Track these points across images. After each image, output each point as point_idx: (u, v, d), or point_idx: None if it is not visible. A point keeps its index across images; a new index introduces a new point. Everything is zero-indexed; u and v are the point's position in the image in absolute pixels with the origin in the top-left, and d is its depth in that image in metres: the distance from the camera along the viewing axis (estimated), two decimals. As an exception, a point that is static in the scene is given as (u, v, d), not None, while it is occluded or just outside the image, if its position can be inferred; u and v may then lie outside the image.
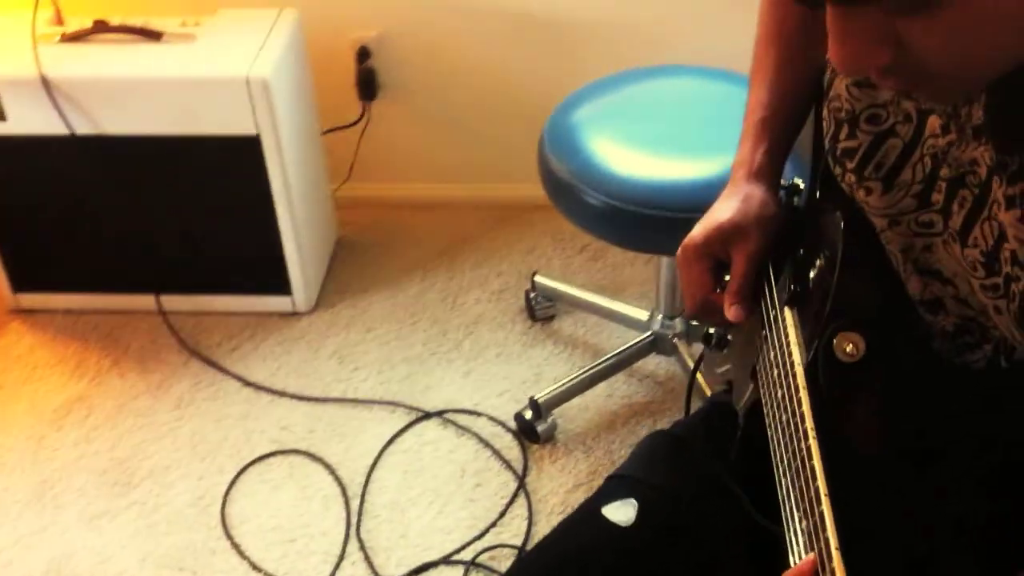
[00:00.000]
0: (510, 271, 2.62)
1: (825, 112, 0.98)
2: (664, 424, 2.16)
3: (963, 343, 0.92)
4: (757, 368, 1.05)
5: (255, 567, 1.99)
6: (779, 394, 0.95)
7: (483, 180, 2.81)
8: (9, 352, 2.47)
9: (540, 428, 2.16)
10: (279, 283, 2.48)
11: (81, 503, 2.12)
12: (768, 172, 1.14)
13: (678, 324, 2.24)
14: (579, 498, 2.06)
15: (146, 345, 2.47)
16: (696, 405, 1.33)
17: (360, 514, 2.07)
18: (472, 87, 2.66)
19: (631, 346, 2.26)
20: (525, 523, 2.03)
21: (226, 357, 2.43)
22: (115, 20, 2.35)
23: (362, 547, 2.01)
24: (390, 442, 2.21)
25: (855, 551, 0.80)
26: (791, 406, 0.92)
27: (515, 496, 2.09)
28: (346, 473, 2.15)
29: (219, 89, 2.22)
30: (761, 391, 1.02)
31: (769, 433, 0.96)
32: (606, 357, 2.25)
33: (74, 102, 2.24)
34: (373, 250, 2.71)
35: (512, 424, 2.21)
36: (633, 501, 1.13)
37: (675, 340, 2.24)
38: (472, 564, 1.97)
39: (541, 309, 2.46)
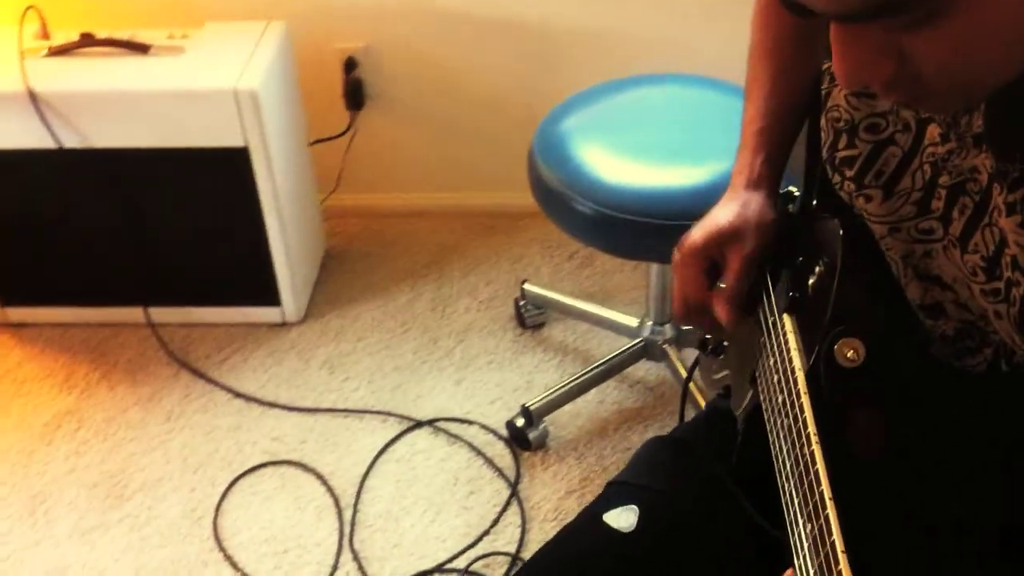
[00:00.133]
0: (499, 279, 2.63)
1: (824, 121, 1.00)
2: (655, 430, 2.18)
3: (963, 347, 0.94)
4: (757, 374, 1.07)
5: (248, 578, 2.00)
6: (780, 399, 0.96)
7: (471, 189, 2.82)
8: (-2, 366, 2.47)
9: (532, 435, 2.17)
10: (268, 294, 2.48)
11: (73, 517, 2.12)
12: (767, 180, 1.15)
13: (668, 330, 2.26)
14: (572, 505, 2.07)
15: (135, 358, 2.47)
16: (688, 411, 1.34)
17: (353, 524, 2.07)
18: (459, 97, 2.67)
19: (621, 352, 2.27)
20: (518, 531, 2.04)
21: (216, 369, 2.43)
22: (102, 33, 2.35)
23: (355, 557, 2.01)
24: (382, 451, 2.21)
25: (858, 555, 0.81)
26: (793, 411, 0.93)
27: (508, 504, 2.09)
28: (338, 483, 2.15)
29: (207, 101, 2.22)
30: (761, 396, 1.03)
31: (770, 438, 0.97)
32: (597, 364, 2.26)
33: (61, 116, 2.24)
34: (362, 260, 2.72)
35: (504, 432, 2.22)
36: (634, 507, 1.13)
37: (665, 346, 2.25)
38: (466, 572, 1.98)
39: (531, 317, 2.46)
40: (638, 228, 1.87)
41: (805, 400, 0.92)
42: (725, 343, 1.25)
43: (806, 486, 0.86)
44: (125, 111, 2.25)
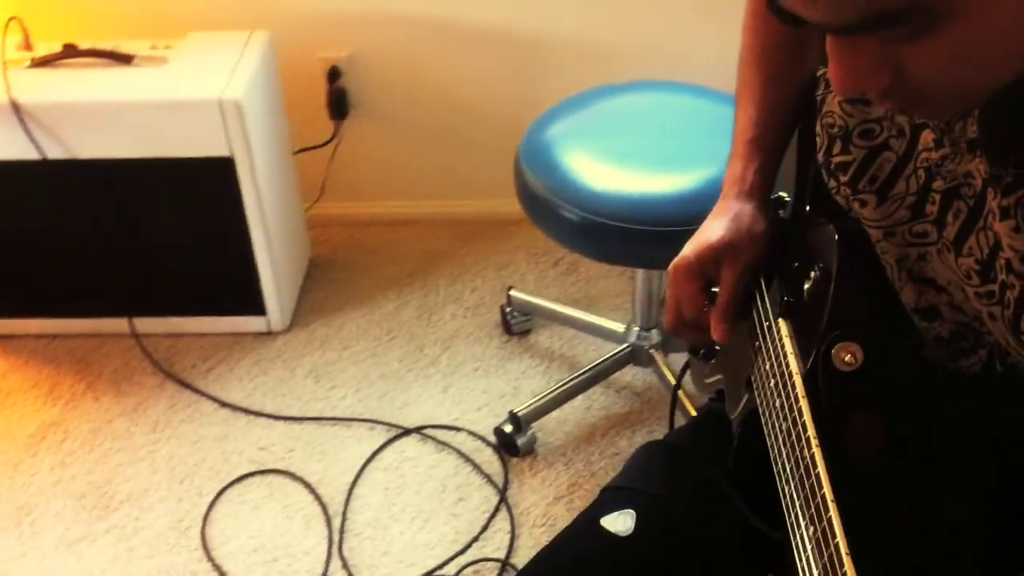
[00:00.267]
0: (484, 286, 2.63)
1: (818, 128, 1.01)
2: (643, 435, 2.19)
3: (958, 349, 0.95)
4: (752, 378, 1.07)
5: (238, 588, 2.00)
6: (777, 403, 0.97)
7: (455, 197, 2.83)
8: (-19, 378, 2.46)
9: (520, 441, 2.17)
10: (253, 303, 2.48)
11: (59, 528, 2.11)
12: (759, 190, 1.16)
13: (655, 335, 2.27)
14: (561, 510, 2.08)
15: (120, 368, 2.46)
16: (677, 417, 1.35)
17: (342, 532, 2.07)
18: (443, 105, 2.68)
19: (608, 358, 2.28)
20: (508, 536, 2.04)
21: (201, 378, 2.42)
22: (84, 44, 2.35)
23: (345, 565, 2.02)
24: (370, 459, 2.21)
25: (857, 557, 0.82)
26: (791, 415, 0.94)
27: (497, 510, 2.10)
28: (327, 491, 2.15)
29: (192, 112, 2.22)
30: (758, 400, 1.04)
31: (769, 442, 0.98)
32: (584, 370, 2.27)
33: (45, 127, 2.23)
34: (346, 269, 2.72)
35: (492, 438, 2.23)
36: (631, 511, 1.14)
37: (652, 351, 2.26)
38: (456, 579, 1.99)
39: (517, 323, 2.47)
40: (624, 234, 1.88)
41: (804, 404, 0.93)
42: (716, 347, 1.26)
43: (807, 489, 0.87)
44: (109, 122, 2.24)
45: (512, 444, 2.18)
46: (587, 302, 2.56)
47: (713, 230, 1.15)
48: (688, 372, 1.37)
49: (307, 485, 2.17)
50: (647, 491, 1.19)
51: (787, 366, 0.98)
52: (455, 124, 2.71)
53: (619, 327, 2.33)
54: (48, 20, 2.48)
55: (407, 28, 2.56)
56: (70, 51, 2.34)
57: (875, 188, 0.96)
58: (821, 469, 0.86)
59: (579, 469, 2.16)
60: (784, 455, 0.93)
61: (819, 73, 1.03)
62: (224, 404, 2.36)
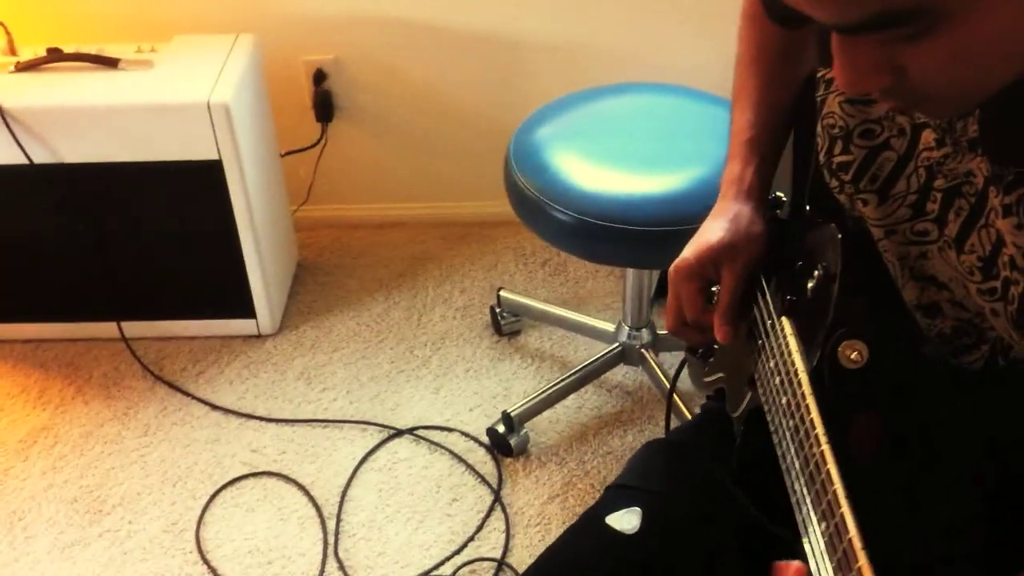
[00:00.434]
0: (473, 288, 2.64)
1: (819, 128, 1.02)
2: (635, 434, 2.21)
3: (960, 345, 0.97)
4: (755, 377, 1.09)
5: (234, 591, 2.00)
6: (783, 401, 0.98)
7: (443, 199, 2.84)
8: (-30, 384, 2.45)
9: (513, 441, 2.19)
10: (243, 306, 2.48)
11: (53, 533, 2.11)
12: (758, 190, 1.18)
13: (645, 335, 2.28)
14: (555, 509, 2.09)
15: (109, 372, 2.46)
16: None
17: (337, 533, 2.08)
18: (428, 107, 2.69)
19: (600, 357, 2.30)
20: (503, 536, 2.05)
21: (192, 382, 2.43)
22: (69, 48, 2.35)
23: (341, 567, 2.02)
24: (363, 461, 2.22)
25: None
26: (798, 413, 0.94)
27: (491, 510, 2.11)
28: (320, 493, 2.16)
29: (180, 115, 2.22)
30: (762, 398, 1.05)
31: (775, 440, 0.99)
32: (575, 369, 2.28)
33: (31, 131, 2.23)
34: (334, 271, 2.73)
35: (484, 439, 2.24)
36: (637, 509, 1.15)
37: (643, 350, 2.27)
38: (452, 579, 2.00)
39: (507, 324, 2.48)
40: (615, 234, 1.89)
41: (811, 402, 0.93)
42: (715, 346, 1.28)
43: (817, 485, 0.87)
44: (97, 126, 2.24)
45: (505, 444, 2.19)
46: (576, 302, 2.57)
47: (712, 231, 1.16)
48: (685, 371, 1.38)
49: (301, 487, 2.17)
50: (651, 489, 1.20)
51: (792, 364, 0.99)
52: (441, 126, 2.72)
53: (609, 326, 2.34)
54: (31, 24, 2.48)
55: (392, 31, 2.57)
56: (55, 55, 2.34)
57: (876, 187, 0.97)
58: (831, 466, 0.87)
59: (572, 468, 2.18)
60: (792, 452, 0.94)
61: (819, 75, 1.04)
62: (215, 407, 2.36)
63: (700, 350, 1.30)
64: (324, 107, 2.66)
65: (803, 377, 0.97)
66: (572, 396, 2.30)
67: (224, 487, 2.18)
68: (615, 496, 1.21)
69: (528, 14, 2.53)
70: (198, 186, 2.30)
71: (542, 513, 2.09)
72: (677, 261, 1.18)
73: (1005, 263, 0.86)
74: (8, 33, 2.38)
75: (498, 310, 2.48)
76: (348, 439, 2.27)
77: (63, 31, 2.52)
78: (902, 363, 0.97)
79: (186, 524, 2.12)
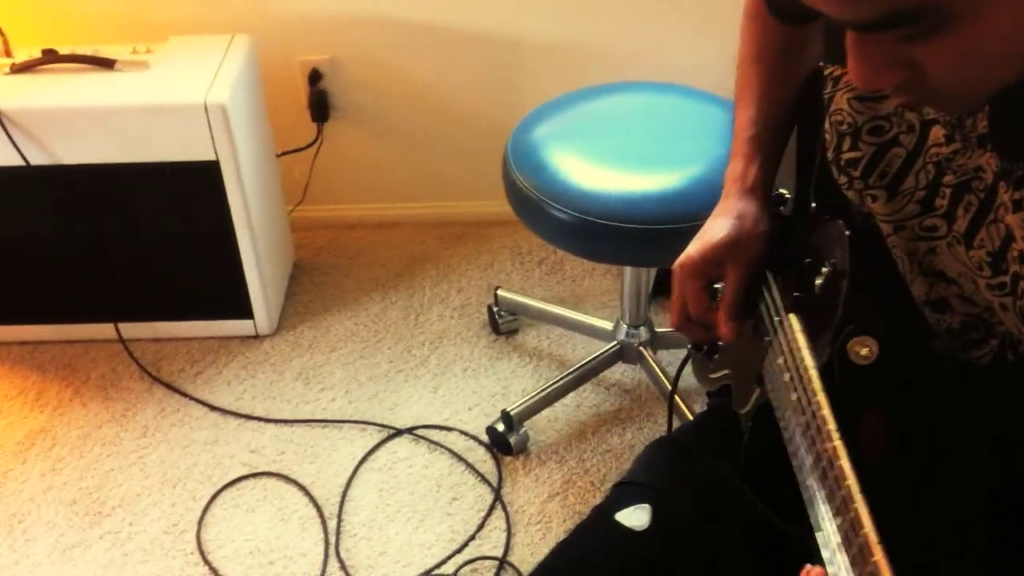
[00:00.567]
0: (470, 287, 2.65)
1: (827, 125, 1.03)
2: (634, 431, 2.22)
3: (969, 340, 0.98)
4: (763, 373, 1.09)
5: (236, 591, 2.00)
6: (793, 397, 0.99)
7: (439, 198, 2.84)
8: (-34, 387, 2.44)
9: (513, 440, 2.19)
10: (240, 307, 2.48)
11: (53, 535, 2.11)
12: (761, 187, 1.19)
13: (643, 333, 2.29)
14: (556, 507, 2.10)
15: (107, 374, 2.46)
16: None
17: (338, 533, 2.08)
18: (424, 107, 2.69)
19: (598, 356, 2.30)
20: (504, 535, 2.06)
21: (190, 383, 2.43)
22: (64, 50, 2.34)
23: (343, 566, 2.02)
24: (363, 460, 2.22)
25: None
26: (809, 409, 0.95)
27: (492, 508, 2.11)
28: (321, 493, 2.16)
29: (177, 116, 2.22)
30: (771, 395, 1.06)
31: (785, 436, 1.00)
32: (574, 368, 2.29)
33: (28, 133, 2.22)
34: (331, 271, 2.73)
35: (484, 437, 2.24)
36: (647, 506, 1.16)
37: (641, 348, 2.28)
38: (454, 578, 2.00)
39: (505, 323, 2.49)
40: (614, 233, 1.90)
41: (821, 398, 0.94)
42: (720, 343, 1.28)
43: (831, 481, 0.88)
44: (93, 127, 2.24)
45: (505, 443, 2.19)
46: (572, 301, 2.58)
47: (717, 229, 1.17)
48: (689, 368, 1.39)
49: (301, 487, 2.17)
50: (659, 487, 1.21)
51: (801, 360, 1.00)
52: (437, 126, 2.72)
53: (607, 325, 2.35)
54: (25, 26, 2.48)
55: (388, 31, 2.57)
56: (51, 56, 2.33)
57: (885, 183, 0.98)
58: (843, 461, 0.87)
59: (572, 466, 2.18)
60: (803, 449, 0.95)
61: (826, 72, 1.05)
62: (213, 408, 2.36)
63: (705, 347, 1.31)
64: (320, 107, 2.66)
65: (813, 373, 0.97)
66: (571, 394, 2.30)
67: (224, 488, 2.18)
68: (623, 493, 1.21)
69: (526, 14, 2.54)
70: (195, 187, 2.30)
71: (543, 511, 2.10)
72: (681, 258, 1.19)
73: (1014, 258, 0.87)
74: (3, 35, 2.38)
75: (496, 309, 2.49)
76: (347, 439, 2.27)
77: (57, 32, 2.51)
78: (911, 359, 0.98)
79: (187, 525, 2.12)
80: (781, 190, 1.24)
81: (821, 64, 1.06)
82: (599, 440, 2.23)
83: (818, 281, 1.03)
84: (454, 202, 2.83)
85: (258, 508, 2.14)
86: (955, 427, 0.99)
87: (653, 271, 2.28)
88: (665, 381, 2.22)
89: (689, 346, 1.36)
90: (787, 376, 1.02)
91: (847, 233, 1.00)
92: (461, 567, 2.01)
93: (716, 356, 1.29)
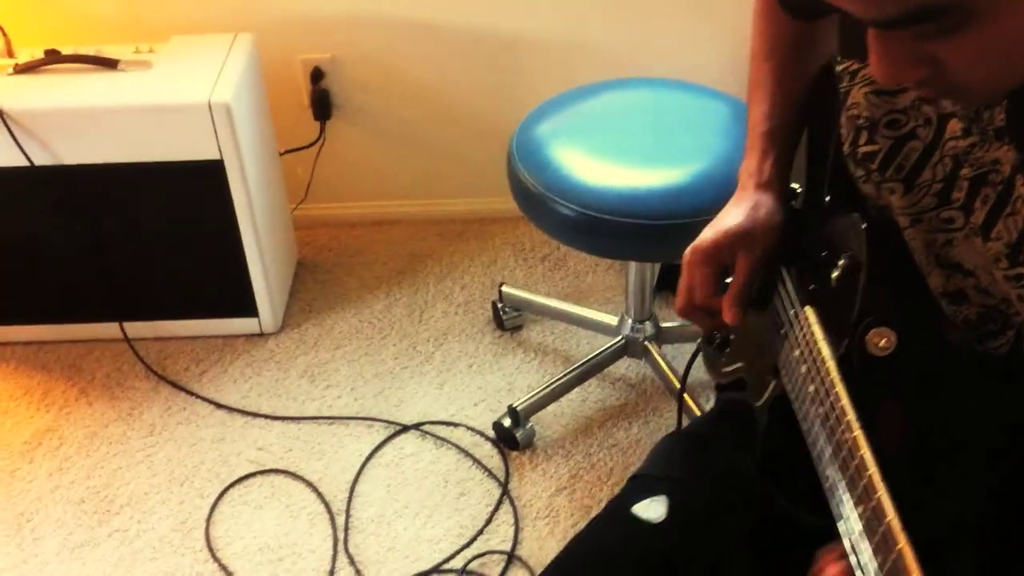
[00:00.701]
0: (473, 284, 2.66)
1: (843, 119, 1.04)
2: (640, 426, 2.23)
3: (986, 331, 0.99)
4: (779, 365, 1.10)
5: (245, 587, 2.01)
6: (811, 389, 1.00)
7: (441, 196, 2.85)
8: (-29, 387, 2.45)
9: (519, 435, 2.20)
10: (245, 305, 2.49)
11: (61, 534, 2.11)
12: (776, 181, 1.20)
13: (648, 327, 2.30)
14: (563, 502, 2.11)
15: (112, 373, 2.46)
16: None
17: (347, 529, 2.09)
18: (426, 105, 2.70)
19: (604, 351, 2.31)
20: (512, 529, 2.07)
21: (195, 381, 2.43)
22: (66, 50, 2.35)
23: (352, 561, 2.03)
24: (370, 457, 2.23)
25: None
26: (827, 400, 0.96)
27: (500, 503, 2.12)
28: (328, 490, 2.17)
29: (181, 115, 2.23)
30: (787, 387, 1.07)
31: (804, 427, 1.00)
32: (579, 363, 2.30)
33: (32, 133, 2.23)
34: (334, 269, 2.74)
35: (490, 433, 2.25)
36: (663, 498, 1.17)
37: (646, 343, 2.29)
38: (464, 572, 2.00)
39: (509, 319, 2.50)
40: (618, 228, 1.91)
41: (840, 388, 0.95)
42: (732, 336, 1.29)
43: (852, 470, 0.88)
44: (97, 127, 2.24)
45: (511, 438, 2.21)
46: (576, 296, 2.59)
47: (731, 217, 1.19)
48: (700, 361, 1.39)
49: (308, 484, 2.18)
50: (676, 479, 1.22)
51: (818, 352, 1.01)
52: (438, 124, 2.73)
53: (612, 320, 2.36)
54: (27, 26, 2.48)
55: (389, 29, 2.58)
56: (54, 57, 2.34)
57: (901, 177, 1.00)
58: (864, 451, 0.88)
59: (579, 461, 2.20)
60: (822, 440, 0.95)
61: (841, 67, 1.06)
62: (220, 406, 2.37)
63: (716, 340, 1.32)
64: (322, 105, 2.67)
65: (831, 365, 0.98)
66: (576, 390, 2.32)
67: (232, 485, 2.19)
68: (639, 486, 1.22)
69: (527, 12, 2.55)
70: (199, 186, 2.31)
71: (550, 505, 2.11)
72: (694, 243, 1.20)
73: None
74: (5, 35, 2.38)
75: (500, 305, 2.50)
76: (354, 435, 2.28)
77: (59, 32, 2.52)
78: (929, 351, 0.99)
79: (195, 523, 2.13)
80: (793, 184, 1.25)
81: (837, 58, 1.07)
82: (605, 434, 2.25)
83: (835, 274, 1.04)
84: (456, 199, 2.84)
85: (266, 505, 2.15)
86: (971, 420, 1.00)
87: (658, 266, 2.29)
88: (670, 375, 2.24)
89: (700, 339, 1.37)
90: (804, 368, 1.03)
91: (864, 226, 1.01)
92: (470, 561, 2.02)
93: (728, 349, 1.30)
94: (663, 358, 2.26)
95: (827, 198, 1.14)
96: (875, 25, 0.78)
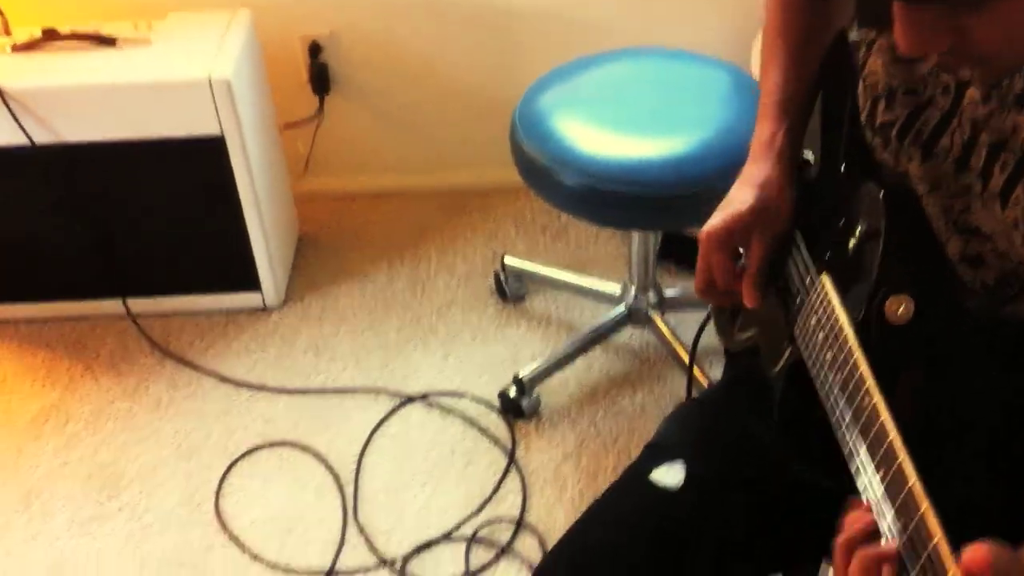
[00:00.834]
0: (475, 255, 2.67)
1: (860, 88, 1.06)
2: (644, 393, 2.25)
3: (1004, 295, 1.01)
4: (796, 332, 1.12)
5: (256, 558, 2.02)
6: (829, 356, 1.00)
7: (441, 168, 2.85)
8: (-25, 365, 2.46)
9: (525, 404, 2.22)
10: (248, 280, 2.50)
11: (70, 509, 2.13)
12: (788, 152, 1.20)
13: (652, 296, 2.31)
14: (570, 469, 2.13)
15: (116, 349, 2.47)
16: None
17: (355, 500, 2.11)
18: (425, 79, 2.70)
19: (607, 320, 2.33)
20: (519, 497, 2.09)
21: (200, 356, 2.44)
22: (64, 28, 2.34)
23: (361, 531, 2.05)
24: (377, 428, 2.25)
25: None
26: (846, 367, 0.97)
27: (507, 471, 2.14)
28: (336, 461, 2.19)
29: (181, 92, 2.23)
30: (804, 354, 1.08)
31: (822, 394, 1.01)
32: (584, 332, 2.32)
33: (32, 112, 2.23)
34: (336, 243, 2.74)
35: (496, 403, 2.27)
36: (681, 463, 1.19)
37: (650, 312, 2.31)
38: (473, 539, 2.03)
39: (512, 290, 2.51)
40: (623, 198, 1.93)
41: (859, 355, 0.95)
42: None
43: (872, 436, 0.89)
44: (98, 105, 2.25)
45: (517, 407, 2.22)
46: (578, 267, 2.59)
47: (743, 199, 1.19)
48: (711, 328, 1.41)
49: (316, 455, 2.20)
50: (688, 444, 1.23)
51: (836, 320, 1.02)
52: (438, 97, 2.73)
53: (615, 289, 2.37)
54: (24, 5, 2.47)
55: (386, 2, 2.57)
56: (52, 35, 2.33)
57: (920, 144, 1.01)
58: (884, 416, 0.89)
59: (584, 428, 2.22)
60: (841, 406, 0.96)
61: (858, 37, 1.07)
62: (225, 380, 2.38)
63: (729, 310, 1.33)
64: (321, 80, 2.67)
65: (849, 332, 0.99)
66: (581, 358, 2.33)
67: (240, 458, 2.21)
68: (656, 453, 1.24)
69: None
70: (201, 162, 2.31)
71: (557, 473, 2.13)
72: (707, 229, 1.20)
73: None
74: (2, 15, 2.37)
75: (503, 276, 2.51)
76: (360, 407, 2.30)
77: (57, 11, 2.51)
78: (947, 319, 1.00)
79: (204, 497, 2.14)
80: (806, 153, 1.26)
81: (853, 28, 1.08)
82: (610, 402, 2.26)
83: (852, 242, 1.05)
84: (456, 172, 2.84)
85: (275, 477, 2.17)
86: (980, 401, 1.01)
87: (659, 234, 2.31)
88: (674, 343, 2.25)
89: (711, 306, 1.38)
90: (821, 335, 1.04)
91: (881, 194, 1.02)
92: (479, 529, 2.04)
93: (740, 317, 1.32)
94: (667, 325, 2.28)
95: (842, 167, 1.15)
96: (907, 1, 0.80)
